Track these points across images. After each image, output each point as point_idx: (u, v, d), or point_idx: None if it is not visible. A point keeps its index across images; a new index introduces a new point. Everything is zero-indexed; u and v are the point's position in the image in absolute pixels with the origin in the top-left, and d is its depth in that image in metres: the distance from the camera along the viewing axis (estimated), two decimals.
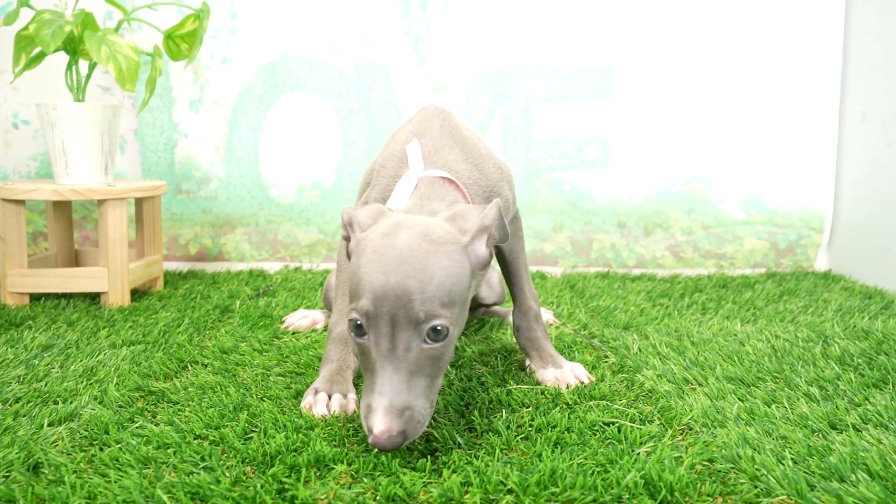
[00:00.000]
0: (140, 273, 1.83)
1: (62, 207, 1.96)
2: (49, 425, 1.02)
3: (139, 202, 1.91)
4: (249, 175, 2.20)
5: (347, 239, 1.05)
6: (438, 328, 0.90)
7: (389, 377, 0.89)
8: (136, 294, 1.86)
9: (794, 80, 2.15)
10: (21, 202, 1.75)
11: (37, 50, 1.80)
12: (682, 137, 2.18)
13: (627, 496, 0.81)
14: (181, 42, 1.80)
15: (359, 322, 0.92)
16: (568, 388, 1.18)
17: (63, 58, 2.02)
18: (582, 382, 1.20)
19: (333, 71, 2.17)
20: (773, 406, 1.09)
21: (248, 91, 2.18)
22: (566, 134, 2.19)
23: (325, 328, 1.57)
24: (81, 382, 1.20)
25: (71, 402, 1.10)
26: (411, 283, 0.90)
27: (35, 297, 1.80)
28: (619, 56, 2.16)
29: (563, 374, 1.22)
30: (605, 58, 2.16)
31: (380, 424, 0.86)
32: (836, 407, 1.07)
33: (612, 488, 0.82)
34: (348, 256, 1.03)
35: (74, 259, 2.01)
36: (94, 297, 1.81)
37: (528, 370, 1.27)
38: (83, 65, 1.96)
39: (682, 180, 2.19)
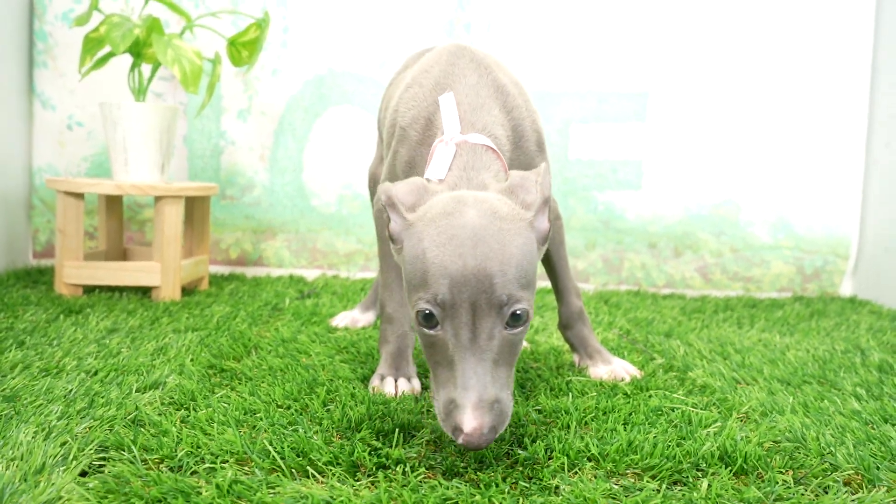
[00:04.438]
0: (189, 271, 1.88)
1: (114, 205, 2.01)
2: (137, 391, 1.07)
3: (190, 202, 1.97)
4: (292, 184, 2.26)
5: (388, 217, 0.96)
6: (519, 312, 0.84)
7: (474, 369, 0.82)
8: (184, 291, 1.91)
9: (821, 109, 2.23)
10: (80, 196, 1.81)
11: (101, 52, 1.88)
12: (714, 162, 2.25)
13: (704, 465, 0.86)
14: (243, 49, 1.87)
15: (429, 312, 0.84)
16: (622, 381, 1.22)
17: (119, 62, 2.09)
18: (634, 377, 1.24)
19: (378, 87, 2.25)
20: (825, 401, 1.14)
21: (296, 102, 2.25)
22: (601, 155, 2.26)
23: (366, 326, 1.61)
24: (156, 359, 1.24)
25: (151, 374, 1.15)
26: (492, 266, 0.83)
27: (88, 290, 1.85)
28: (654, 81, 2.24)
29: (614, 369, 1.26)
30: (642, 82, 2.24)
31: (471, 422, 0.79)
32: (885, 405, 1.12)
33: (690, 457, 0.87)
34: (390, 237, 0.95)
35: (123, 256, 2.06)
36: (144, 292, 1.86)
37: (577, 366, 1.31)
38: (145, 68, 2.03)
39: (713, 203, 2.26)
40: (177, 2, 2.17)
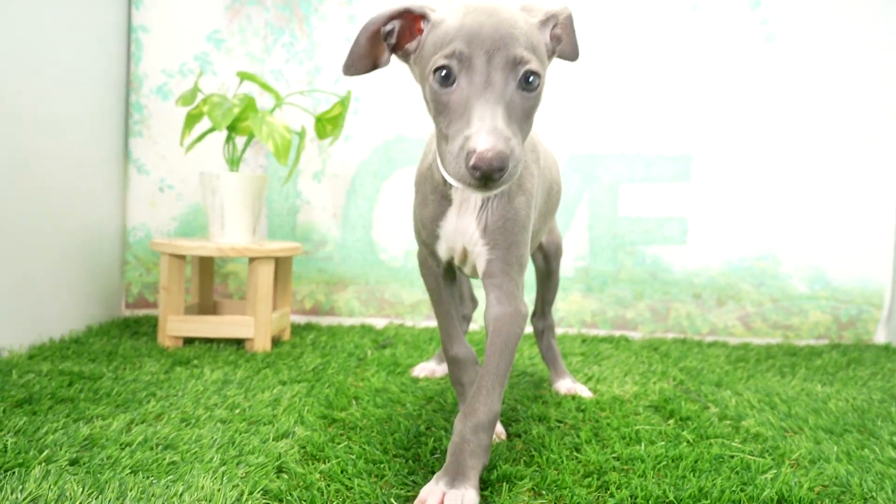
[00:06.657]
0: (276, 323, 2.07)
1: (206, 263, 2.22)
2: (273, 440, 1.25)
3: (276, 260, 2.17)
4: (363, 239, 2.46)
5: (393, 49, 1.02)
6: (531, 78, 0.91)
7: (490, 107, 0.86)
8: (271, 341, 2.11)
9: (854, 169, 2.39)
10: (183, 257, 2.02)
11: (199, 126, 2.10)
12: (754, 218, 2.42)
13: None
14: (328, 123, 2.08)
15: (446, 68, 0.90)
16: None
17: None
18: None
19: None
20: (865, 450, 1.29)
21: (365, 166, 2.46)
22: (648, 212, 2.43)
23: (444, 376, 1.79)
24: (276, 409, 1.43)
25: (278, 424, 1.33)
26: (507, 29, 0.91)
27: (186, 341, 2.05)
28: (697, 144, 2.42)
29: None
30: (686, 145, 2.42)
31: (484, 142, 0.82)
32: None
33: (754, 501, 1.03)
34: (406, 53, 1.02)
35: (214, 309, 2.26)
36: (237, 343, 2.06)
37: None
38: (239, 140, 2.25)
39: (753, 257, 2.42)
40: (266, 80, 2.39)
